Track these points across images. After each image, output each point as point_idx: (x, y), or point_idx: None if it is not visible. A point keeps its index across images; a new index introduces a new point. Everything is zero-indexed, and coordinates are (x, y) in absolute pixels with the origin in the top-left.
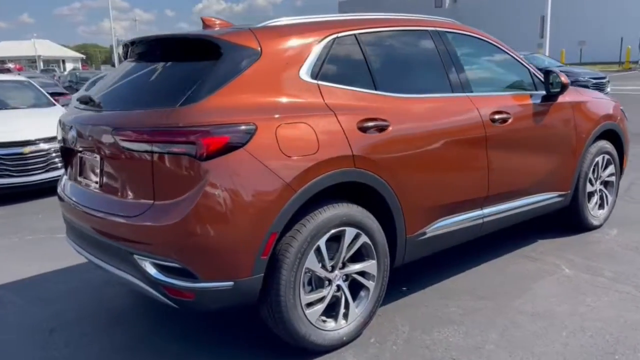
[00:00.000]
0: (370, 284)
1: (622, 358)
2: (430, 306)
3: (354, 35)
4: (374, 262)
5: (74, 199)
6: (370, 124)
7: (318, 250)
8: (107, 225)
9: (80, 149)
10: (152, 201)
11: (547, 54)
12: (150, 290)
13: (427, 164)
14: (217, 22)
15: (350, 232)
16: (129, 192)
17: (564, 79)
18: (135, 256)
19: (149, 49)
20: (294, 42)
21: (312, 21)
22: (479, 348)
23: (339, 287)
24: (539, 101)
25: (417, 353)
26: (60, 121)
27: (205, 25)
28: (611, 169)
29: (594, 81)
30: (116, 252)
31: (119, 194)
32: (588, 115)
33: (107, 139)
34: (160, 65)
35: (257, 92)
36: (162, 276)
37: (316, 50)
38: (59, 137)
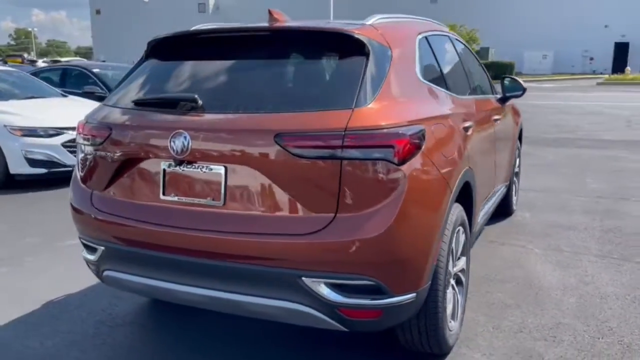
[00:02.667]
0: (464, 279)
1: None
2: (476, 295)
3: (426, 37)
4: (464, 257)
5: (156, 221)
6: (467, 124)
7: (451, 252)
8: (253, 247)
9: (184, 159)
10: (333, 214)
11: None
12: (316, 314)
13: (482, 159)
14: (284, 16)
15: (460, 231)
16: (293, 206)
17: (523, 83)
18: (305, 278)
19: (261, 41)
20: (408, 41)
21: (403, 19)
22: (551, 325)
23: (452, 287)
24: (500, 104)
25: (512, 336)
26: (118, 127)
27: (274, 18)
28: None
29: None
30: (260, 277)
31: (270, 209)
32: (515, 118)
33: (259, 145)
34: (289, 61)
35: (401, 93)
36: (340, 297)
37: (417, 50)
38: (105, 146)
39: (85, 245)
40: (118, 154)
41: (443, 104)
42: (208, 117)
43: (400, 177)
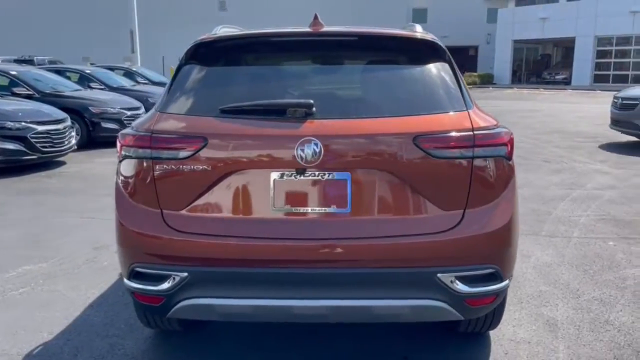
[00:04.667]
0: None
1: None
2: None
3: None
4: None
5: (266, 235)
6: None
7: None
8: (387, 251)
9: (312, 167)
10: (462, 210)
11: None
12: (446, 308)
13: None
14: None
15: None
16: (425, 206)
17: None
18: (440, 275)
19: (354, 46)
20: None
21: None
22: None
23: None
24: None
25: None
26: (217, 137)
27: (318, 22)
28: None
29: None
30: (395, 279)
31: (402, 211)
32: None
33: (395, 148)
34: (389, 66)
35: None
36: (467, 288)
37: None
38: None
39: (148, 276)
40: (214, 167)
41: None
42: (335, 123)
43: (511, 171)
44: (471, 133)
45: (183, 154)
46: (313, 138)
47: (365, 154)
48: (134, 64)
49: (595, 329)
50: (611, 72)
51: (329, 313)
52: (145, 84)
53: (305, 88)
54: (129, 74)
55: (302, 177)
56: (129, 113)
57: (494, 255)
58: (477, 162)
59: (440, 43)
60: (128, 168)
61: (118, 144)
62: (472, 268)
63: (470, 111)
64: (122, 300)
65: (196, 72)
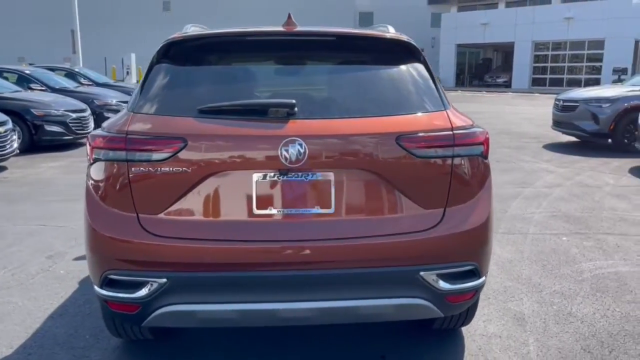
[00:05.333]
0: None
1: None
2: None
3: None
4: None
5: (249, 238)
6: None
7: None
8: (371, 250)
9: (297, 168)
10: (443, 209)
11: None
12: (428, 305)
13: None
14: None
15: None
16: (407, 205)
17: None
18: (422, 273)
19: (324, 45)
20: None
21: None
22: None
23: None
24: None
25: None
26: (197, 138)
27: (292, 22)
28: None
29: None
30: (379, 278)
31: (386, 210)
32: None
33: (378, 148)
34: (366, 66)
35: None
36: (448, 285)
37: None
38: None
39: (123, 284)
40: (194, 169)
41: None
42: (318, 123)
43: (487, 170)
44: (451, 133)
45: (161, 155)
46: (297, 138)
47: (349, 154)
48: (74, 65)
49: (560, 321)
50: (548, 76)
51: (314, 315)
52: (89, 85)
53: (283, 88)
54: (71, 75)
55: (284, 178)
56: (74, 115)
57: (473, 253)
58: (457, 161)
59: (415, 44)
60: (100, 171)
61: (88, 146)
62: (453, 265)
63: (447, 111)
64: (84, 310)
65: (169, 72)
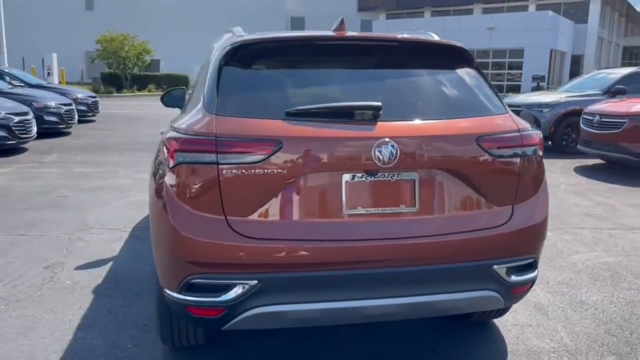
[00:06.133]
0: None
1: None
2: None
3: None
4: None
5: (339, 237)
6: None
7: None
8: (452, 247)
9: (387, 169)
10: (511, 206)
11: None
12: (498, 297)
13: None
14: None
15: None
16: (482, 203)
17: None
18: (495, 266)
19: (391, 51)
20: None
21: None
22: None
23: None
24: None
25: None
26: (292, 140)
27: (343, 27)
28: None
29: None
30: (457, 273)
31: (464, 208)
32: None
33: (460, 149)
34: (420, 71)
35: None
36: (515, 277)
37: None
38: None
39: (209, 287)
40: (286, 171)
41: None
42: (405, 124)
43: (543, 169)
44: (519, 134)
45: (254, 157)
46: (389, 139)
47: (434, 154)
48: (0, 65)
49: (577, 309)
50: None
51: (396, 311)
52: (22, 86)
53: (358, 91)
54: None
55: (373, 178)
56: (17, 119)
57: (534, 246)
58: (523, 161)
59: (469, 51)
60: (185, 174)
61: (168, 150)
62: (519, 259)
63: (509, 114)
64: (112, 319)
65: (245, 74)
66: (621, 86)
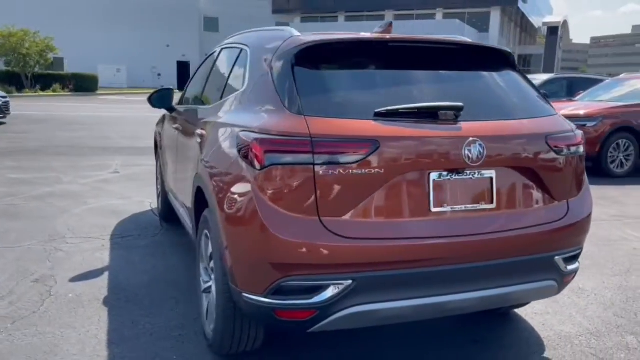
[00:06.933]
0: None
1: None
2: None
3: None
4: None
5: (428, 235)
6: None
7: None
8: (524, 241)
9: (469, 167)
10: (567, 200)
11: None
12: (556, 286)
13: None
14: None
15: None
16: (547, 198)
17: None
18: (556, 257)
19: (447, 52)
20: None
21: None
22: None
23: None
24: None
25: None
26: (389, 140)
27: (389, 31)
28: None
29: (2, 101)
30: (527, 266)
31: (532, 203)
32: None
33: (532, 147)
34: (480, 73)
35: None
36: (568, 267)
37: None
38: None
39: (301, 289)
40: (381, 171)
41: None
42: (487, 124)
43: (584, 166)
44: (574, 133)
45: (352, 158)
46: (477, 139)
47: (511, 153)
48: None
49: (580, 295)
50: None
51: (474, 304)
52: None
53: (433, 93)
54: None
55: (458, 177)
56: None
57: (583, 238)
58: (575, 158)
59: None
60: (278, 176)
61: (257, 151)
62: (572, 250)
63: (559, 114)
64: (141, 331)
65: (321, 74)
66: None
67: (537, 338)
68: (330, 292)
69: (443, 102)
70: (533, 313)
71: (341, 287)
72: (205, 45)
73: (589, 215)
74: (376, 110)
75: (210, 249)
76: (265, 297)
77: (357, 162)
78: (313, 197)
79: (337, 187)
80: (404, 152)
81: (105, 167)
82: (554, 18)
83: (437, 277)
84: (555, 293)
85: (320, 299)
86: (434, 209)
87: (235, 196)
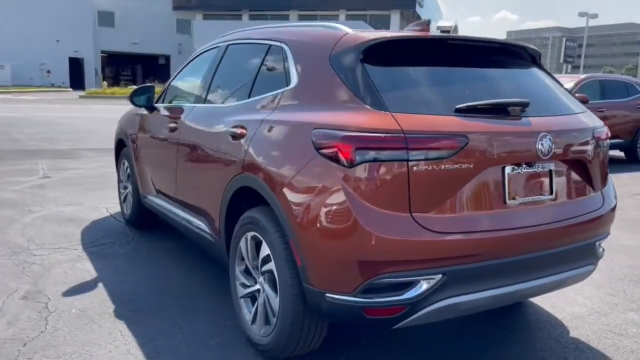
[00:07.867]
0: None
1: None
2: None
3: None
4: None
5: (504, 227)
6: None
7: None
8: (577, 229)
9: (539, 160)
10: (601, 190)
11: None
12: (594, 270)
13: None
14: None
15: None
16: (589, 188)
17: None
18: (597, 243)
19: (500, 52)
20: None
21: None
22: None
23: None
24: None
25: None
26: (477, 135)
27: (426, 29)
28: None
29: None
30: (577, 252)
31: (580, 193)
32: None
33: (583, 141)
34: (526, 70)
35: None
36: (601, 251)
37: None
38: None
39: (392, 286)
40: (468, 165)
41: None
42: (552, 119)
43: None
44: (605, 128)
45: (444, 153)
46: (547, 133)
47: (569, 146)
48: None
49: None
50: None
51: (537, 291)
52: None
53: (494, 89)
54: None
55: (528, 170)
56: None
57: (611, 224)
58: (607, 150)
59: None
60: (371, 172)
61: (346, 148)
62: (605, 236)
63: (589, 111)
64: (177, 342)
65: (392, 71)
66: None
67: (556, 320)
68: (422, 287)
69: (514, 99)
70: (541, 297)
71: (432, 282)
72: (100, 41)
73: (617, 204)
74: (457, 106)
75: (261, 251)
76: (354, 296)
77: (448, 157)
78: (406, 193)
79: (428, 183)
80: (488, 146)
81: (32, 172)
82: (446, 22)
83: (512, 267)
84: (588, 276)
85: (412, 295)
86: (508, 202)
87: (317, 195)
